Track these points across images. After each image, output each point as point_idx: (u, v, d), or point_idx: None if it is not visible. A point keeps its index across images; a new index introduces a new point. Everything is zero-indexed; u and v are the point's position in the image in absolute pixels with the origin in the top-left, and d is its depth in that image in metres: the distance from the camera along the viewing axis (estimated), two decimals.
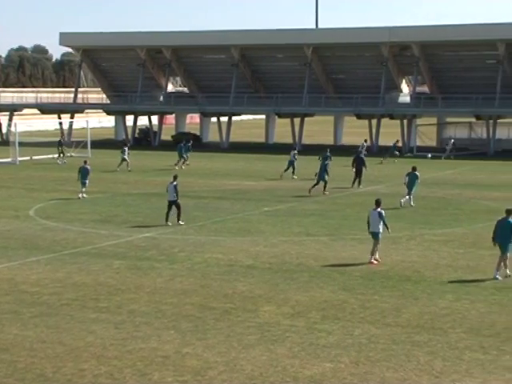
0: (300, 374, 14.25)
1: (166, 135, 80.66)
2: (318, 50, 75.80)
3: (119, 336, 16.40)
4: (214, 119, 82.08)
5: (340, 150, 64.38)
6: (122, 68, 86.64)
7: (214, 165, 56.63)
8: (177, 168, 51.59)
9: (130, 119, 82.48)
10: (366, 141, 60.97)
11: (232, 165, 57.37)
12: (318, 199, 38.28)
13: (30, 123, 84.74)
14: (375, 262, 23.51)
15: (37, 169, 53.43)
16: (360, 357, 15.16)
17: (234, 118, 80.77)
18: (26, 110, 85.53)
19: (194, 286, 20.67)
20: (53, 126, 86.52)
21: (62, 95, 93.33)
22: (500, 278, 21.52)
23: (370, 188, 42.45)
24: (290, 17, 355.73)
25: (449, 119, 79.43)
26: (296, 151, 49.13)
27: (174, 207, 30.47)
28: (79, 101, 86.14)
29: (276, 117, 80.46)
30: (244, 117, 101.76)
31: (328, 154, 43.34)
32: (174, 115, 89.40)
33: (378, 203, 24.00)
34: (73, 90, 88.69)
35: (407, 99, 75.40)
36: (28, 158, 58.71)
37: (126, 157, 51.73)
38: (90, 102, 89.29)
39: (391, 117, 72.24)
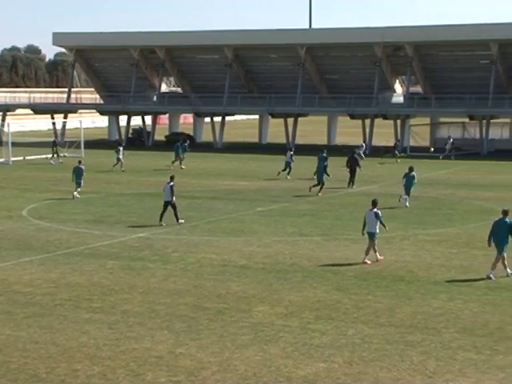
0: (293, 374, 14.25)
1: (160, 135, 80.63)
2: (311, 50, 75.84)
3: (112, 336, 16.38)
4: (207, 119, 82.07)
5: (333, 149, 64.36)
6: (115, 68, 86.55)
7: (208, 165, 56.62)
8: (172, 168, 51.58)
9: (123, 119, 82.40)
10: (364, 141, 61.00)
11: (225, 165, 57.36)
12: (312, 199, 38.30)
13: (23, 123, 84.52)
14: (371, 261, 23.53)
15: (30, 169, 53.34)
16: (353, 357, 15.17)
17: (228, 118, 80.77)
18: (19, 110, 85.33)
19: (188, 286, 20.66)
20: (46, 127, 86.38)
21: (56, 95, 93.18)
22: (493, 277, 21.55)
23: (363, 188, 42.49)
24: (283, 17, 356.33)
25: (442, 119, 79.52)
26: (292, 152, 49.09)
27: (169, 208, 30.46)
28: (72, 101, 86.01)
29: (269, 117, 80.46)
30: (237, 117, 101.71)
31: (325, 154, 43.44)
32: (167, 115, 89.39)
33: (374, 204, 24.05)
34: (66, 90, 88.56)
35: (401, 99, 75.49)
36: (21, 158, 58.60)
37: (120, 157, 51.71)
38: (84, 102, 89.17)
39: (385, 117, 72.33)
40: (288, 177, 47.10)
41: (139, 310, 18.38)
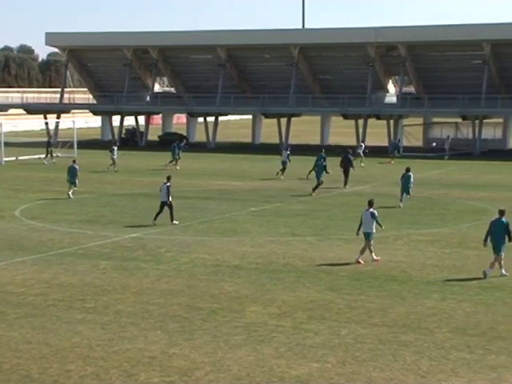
0: (286, 374, 14.26)
1: (153, 135, 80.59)
2: (304, 50, 75.87)
3: (105, 337, 16.37)
4: (200, 119, 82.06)
5: (326, 150, 64.35)
6: (108, 68, 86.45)
7: (201, 165, 56.59)
8: (168, 168, 51.66)
9: (116, 119, 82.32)
10: (363, 141, 60.98)
11: (219, 165, 57.35)
12: (305, 199, 38.33)
13: (15, 123, 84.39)
14: (365, 261, 23.56)
15: (23, 169, 53.24)
16: (347, 357, 15.18)
17: (221, 118, 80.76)
18: (11, 110, 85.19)
19: (181, 287, 20.65)
20: (39, 127, 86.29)
21: (48, 95, 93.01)
22: (488, 274, 21.60)
23: (356, 188, 42.54)
24: (276, 17, 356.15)
25: (435, 119, 79.70)
26: (289, 152, 49.08)
27: (165, 208, 30.48)
28: (65, 101, 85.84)
29: (263, 117, 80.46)
30: (231, 117, 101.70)
31: (323, 154, 43.55)
32: (160, 115, 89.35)
33: (370, 204, 24.12)
34: (59, 90, 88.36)
35: (394, 99, 75.57)
36: (14, 158, 58.50)
37: (115, 157, 51.69)
38: (77, 102, 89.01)
39: (378, 117, 72.36)
40: (281, 177, 47.15)
41: (132, 311, 18.36)
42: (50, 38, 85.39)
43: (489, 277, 21.65)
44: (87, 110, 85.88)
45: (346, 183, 42.79)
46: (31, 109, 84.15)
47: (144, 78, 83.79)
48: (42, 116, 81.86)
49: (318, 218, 32.50)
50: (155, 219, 30.27)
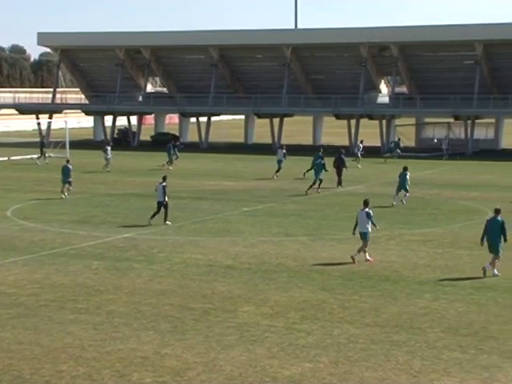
0: (279, 374, 14.25)
1: (145, 135, 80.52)
2: (297, 50, 75.91)
3: (98, 337, 16.33)
4: (193, 119, 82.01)
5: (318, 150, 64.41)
6: (100, 68, 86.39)
7: (193, 165, 56.53)
8: (165, 168, 51.73)
9: (108, 119, 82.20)
10: (361, 142, 61.02)
11: (211, 165, 57.32)
12: (298, 199, 38.33)
13: (7, 123, 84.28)
14: (371, 259, 23.62)
15: (15, 169, 53.11)
16: (339, 357, 15.18)
17: (213, 119, 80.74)
18: (3, 111, 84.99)
19: (173, 287, 20.63)
20: (31, 127, 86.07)
21: (40, 95, 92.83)
22: (487, 269, 21.67)
23: (349, 188, 42.57)
24: (269, 17, 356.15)
25: (427, 119, 79.84)
26: (285, 150, 49.04)
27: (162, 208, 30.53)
28: (57, 101, 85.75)
29: (255, 117, 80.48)
30: (223, 117, 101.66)
31: (321, 153, 43.68)
32: (153, 115, 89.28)
33: (366, 203, 24.15)
34: (51, 90, 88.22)
35: (386, 99, 75.69)
36: (6, 158, 58.35)
37: (108, 157, 51.64)
38: (69, 102, 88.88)
39: (370, 117, 72.42)
40: (275, 176, 47.18)
41: (124, 311, 18.33)
42: (42, 38, 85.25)
43: (480, 277, 21.67)
44: (79, 110, 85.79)
45: (339, 183, 42.87)
46: (23, 109, 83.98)
47: (136, 78, 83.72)
48: (34, 116, 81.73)
49: (311, 218, 32.51)
50: (152, 218, 30.28)
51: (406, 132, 73.00)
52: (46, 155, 58.03)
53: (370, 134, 73.50)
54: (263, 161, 59.54)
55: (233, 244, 26.74)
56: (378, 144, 72.28)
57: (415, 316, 17.98)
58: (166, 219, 30.44)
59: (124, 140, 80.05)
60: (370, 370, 14.46)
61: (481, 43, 69.10)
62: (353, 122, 74.35)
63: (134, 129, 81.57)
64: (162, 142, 71.18)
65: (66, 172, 38.51)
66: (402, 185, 36.55)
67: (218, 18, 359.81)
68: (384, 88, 78.33)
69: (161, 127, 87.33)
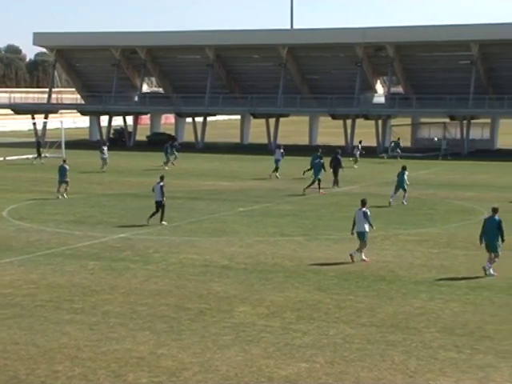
0: (275, 375, 14.25)
1: (141, 135, 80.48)
2: (293, 50, 75.94)
3: (94, 337, 16.32)
4: (189, 119, 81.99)
5: (314, 150, 64.47)
6: (96, 68, 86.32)
7: (189, 165, 56.52)
8: (167, 168, 51.87)
9: (104, 119, 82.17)
10: (360, 142, 61.05)
11: (207, 165, 57.32)
12: (294, 199, 38.35)
13: (3, 123, 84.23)
14: (367, 259, 23.63)
15: (10, 169, 53.05)
16: (335, 357, 15.19)
17: (209, 119, 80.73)
18: None
19: (169, 287, 20.62)
20: (26, 127, 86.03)
21: (36, 95, 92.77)
22: (487, 268, 21.71)
23: (345, 188, 42.60)
24: (265, 17, 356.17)
25: (423, 119, 79.91)
26: (282, 150, 49.06)
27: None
28: (53, 101, 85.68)
29: (251, 117, 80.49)
30: (219, 117, 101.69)
31: (319, 153, 43.76)
32: (148, 115, 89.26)
33: (363, 203, 24.16)
34: (47, 90, 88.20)
35: (382, 100, 75.76)
36: (1, 158, 58.30)
37: (105, 157, 51.62)
38: (64, 102, 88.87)
39: (366, 117, 72.52)
40: (270, 175, 47.22)
41: (120, 311, 18.32)
42: (38, 38, 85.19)
43: (476, 276, 21.71)
44: (75, 110, 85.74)
45: (335, 183, 42.95)
46: (19, 109, 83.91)
47: (132, 78, 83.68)
48: (29, 116, 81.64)
49: (307, 218, 32.52)
50: (150, 218, 30.32)
51: (401, 132, 73.04)
52: (42, 155, 57.99)
53: (365, 134, 73.53)
54: (259, 161, 59.55)
55: (229, 244, 26.74)
56: (374, 144, 72.32)
57: (411, 316, 18.00)
58: (161, 219, 30.48)
59: (120, 140, 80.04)
60: (366, 370, 14.47)
61: (476, 43, 69.21)
62: (349, 122, 74.46)
63: (130, 129, 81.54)
64: (158, 142, 71.22)
65: (62, 172, 38.52)
66: (400, 184, 36.64)
67: (214, 18, 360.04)
68: (380, 88, 78.41)
69: (157, 127, 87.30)
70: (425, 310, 18.51)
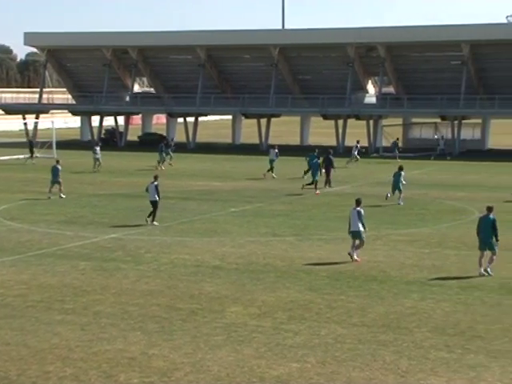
0: (267, 375, 14.26)
1: (133, 136, 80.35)
2: (284, 50, 75.96)
3: (85, 337, 16.30)
4: (180, 120, 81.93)
5: (306, 150, 64.49)
6: (87, 68, 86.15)
7: (181, 165, 56.45)
8: (163, 168, 51.86)
9: (95, 120, 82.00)
10: (358, 142, 61.05)
11: (199, 165, 57.28)
12: (286, 200, 38.36)
13: None
14: (358, 259, 23.64)
15: (2, 169, 52.89)
16: (326, 357, 15.20)
17: (201, 119, 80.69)
18: None
19: (161, 287, 20.60)
20: (17, 127, 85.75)
21: (27, 95, 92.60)
22: (490, 271, 21.76)
23: (336, 188, 42.63)
24: (256, 17, 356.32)
25: (414, 120, 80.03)
26: (277, 150, 49.08)
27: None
28: (44, 101, 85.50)
29: (243, 117, 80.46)
30: (210, 117, 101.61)
31: (316, 154, 43.78)
32: (140, 116, 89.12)
33: (358, 202, 24.18)
34: (38, 90, 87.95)
35: (373, 100, 75.81)
36: None
37: (98, 157, 51.55)
38: (56, 102, 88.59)
39: (357, 117, 72.54)
40: (264, 174, 47.20)
41: (112, 311, 18.29)
42: (29, 38, 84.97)
43: (467, 276, 21.76)
44: (66, 111, 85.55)
45: (327, 183, 43.00)
46: (9, 109, 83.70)
47: (123, 78, 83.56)
48: (20, 116, 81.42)
49: (299, 219, 32.53)
50: (148, 217, 30.37)
51: (392, 132, 73.12)
52: (34, 155, 57.85)
53: (357, 134, 73.50)
54: (251, 161, 59.55)
55: (220, 244, 26.74)
56: (366, 144, 72.31)
57: (402, 316, 18.02)
58: (153, 219, 30.47)
59: (111, 140, 79.85)
60: (357, 370, 14.48)
61: (467, 44, 69.33)
62: (340, 122, 74.44)
63: (121, 129, 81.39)
64: (150, 143, 71.12)
65: (55, 172, 38.58)
66: (395, 184, 36.71)
67: (205, 18, 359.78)
68: (371, 88, 78.48)
69: (148, 127, 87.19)
70: (416, 309, 18.54)
